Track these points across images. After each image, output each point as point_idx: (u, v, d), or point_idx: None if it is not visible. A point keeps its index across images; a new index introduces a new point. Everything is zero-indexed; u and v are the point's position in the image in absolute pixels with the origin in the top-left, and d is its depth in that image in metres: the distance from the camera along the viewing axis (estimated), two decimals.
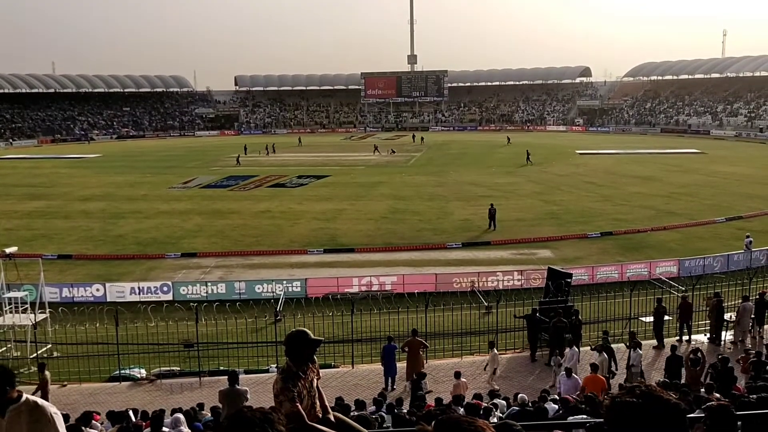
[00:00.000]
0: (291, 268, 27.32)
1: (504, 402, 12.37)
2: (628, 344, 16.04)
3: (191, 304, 21.16)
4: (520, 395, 12.13)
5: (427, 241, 31.22)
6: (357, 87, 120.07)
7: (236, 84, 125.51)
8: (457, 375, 14.48)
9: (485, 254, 29.22)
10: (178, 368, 18.02)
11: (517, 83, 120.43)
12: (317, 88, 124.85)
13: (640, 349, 15.63)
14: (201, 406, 13.09)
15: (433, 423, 1.89)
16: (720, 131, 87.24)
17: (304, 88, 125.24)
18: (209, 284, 24.57)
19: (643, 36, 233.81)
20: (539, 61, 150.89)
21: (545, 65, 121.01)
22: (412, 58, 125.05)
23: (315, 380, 3.99)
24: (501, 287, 23.81)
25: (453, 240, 31.07)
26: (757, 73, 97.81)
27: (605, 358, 15.05)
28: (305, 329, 3.97)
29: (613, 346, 16.07)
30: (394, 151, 72.19)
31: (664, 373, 15.07)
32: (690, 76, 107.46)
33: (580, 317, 18.15)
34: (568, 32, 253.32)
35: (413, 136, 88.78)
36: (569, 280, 20.03)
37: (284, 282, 24.33)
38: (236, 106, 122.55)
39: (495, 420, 9.90)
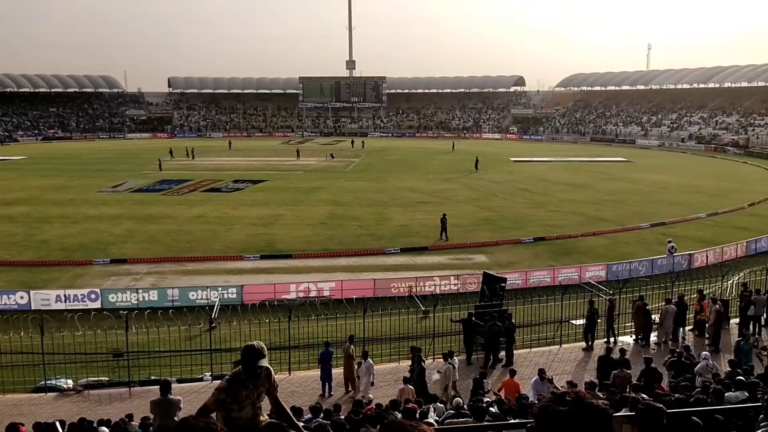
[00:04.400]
0: (226, 275, 26.83)
1: (441, 405, 12.50)
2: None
3: (121, 312, 20.44)
4: (456, 399, 12.29)
5: (365, 246, 31.27)
6: (295, 91, 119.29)
7: (170, 86, 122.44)
8: (405, 380, 14.55)
9: (423, 259, 29.51)
10: (107, 378, 17.39)
11: (454, 91, 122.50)
12: (254, 91, 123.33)
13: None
14: (130, 417, 12.66)
15: (378, 426, 1.89)
16: (645, 141, 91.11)
17: (240, 91, 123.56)
18: (140, 291, 23.79)
19: (574, 48, 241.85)
20: (476, 70, 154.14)
21: (482, 74, 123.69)
22: (351, 64, 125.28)
23: (263, 391, 4.02)
24: (438, 292, 24.08)
25: (391, 245, 31.23)
26: (679, 86, 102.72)
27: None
28: (257, 346, 3.95)
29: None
30: (333, 156, 72.07)
31: (597, 373, 15.60)
32: (617, 88, 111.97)
33: (513, 321, 18.56)
34: (502, 43, 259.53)
35: (352, 142, 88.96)
36: (504, 284, 20.44)
37: (219, 289, 23.87)
38: (170, 109, 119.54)
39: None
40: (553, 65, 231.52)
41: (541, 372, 14.29)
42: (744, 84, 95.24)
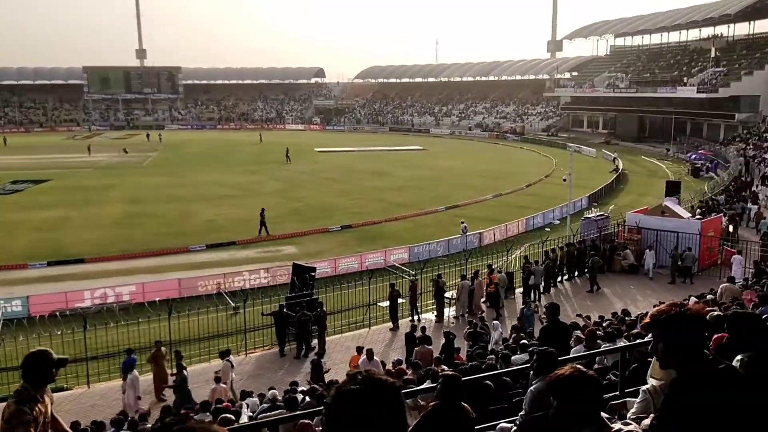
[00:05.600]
0: (9, 286, 23.95)
1: (256, 399, 12.41)
2: None
3: None
4: (271, 391, 12.27)
5: (168, 245, 29.76)
6: (79, 82, 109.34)
7: None
8: (217, 380, 14.12)
9: (231, 255, 28.85)
10: None
11: (255, 82, 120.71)
12: (31, 82, 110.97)
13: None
14: None
15: None
16: (438, 130, 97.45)
17: (14, 82, 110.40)
18: None
19: (370, 41, 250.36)
20: (278, 61, 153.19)
21: (282, 65, 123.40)
22: (141, 53, 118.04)
23: (49, 406, 3.69)
24: (248, 286, 23.74)
25: (196, 242, 30.09)
26: (465, 78, 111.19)
27: None
28: (47, 349, 3.68)
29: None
30: (126, 151, 67.42)
31: (406, 350, 16.53)
32: (411, 80, 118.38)
33: (324, 308, 18.95)
34: (301, 35, 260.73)
35: (148, 135, 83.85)
36: (313, 273, 20.75)
37: (2, 302, 21.27)
38: None
39: (245, 419, 9.89)
40: (351, 58, 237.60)
41: (369, 352, 14.77)
42: (518, 77, 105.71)
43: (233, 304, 21.14)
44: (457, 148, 75.86)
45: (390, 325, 20.10)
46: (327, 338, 18.71)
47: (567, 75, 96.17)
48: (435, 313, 20.96)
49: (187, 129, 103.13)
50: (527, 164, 59.21)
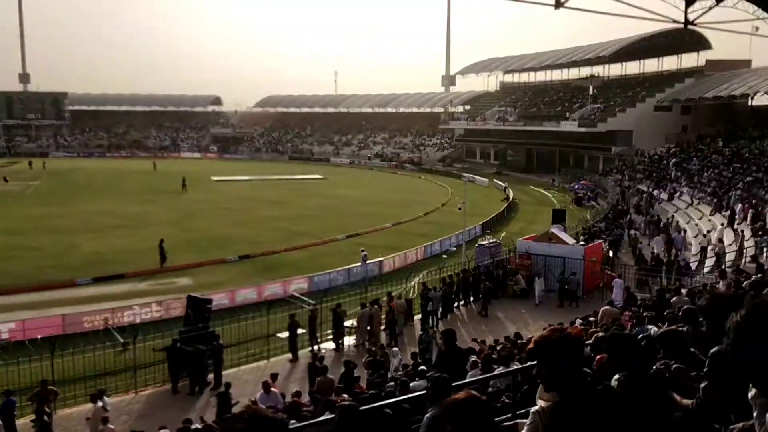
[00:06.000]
0: None
1: None
2: None
3: None
4: (162, 431, 11.75)
5: (50, 279, 27.92)
6: None
7: None
8: (105, 420, 13.32)
9: (120, 288, 27.47)
10: None
11: (148, 109, 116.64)
12: None
13: None
14: None
15: None
16: (338, 159, 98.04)
17: None
18: None
19: (270, 70, 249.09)
20: (171, 88, 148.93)
21: (177, 92, 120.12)
22: (25, 77, 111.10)
23: None
24: (139, 321, 22.69)
25: (82, 276, 28.42)
26: (364, 109, 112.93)
27: None
28: None
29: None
30: (6, 180, 63.00)
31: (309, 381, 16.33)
32: (311, 110, 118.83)
33: (221, 341, 18.42)
34: (198, 62, 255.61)
35: (30, 163, 78.74)
36: (209, 305, 20.14)
37: None
38: None
39: None
40: (249, 86, 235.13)
41: (265, 385, 14.44)
42: (415, 109, 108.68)
43: (122, 340, 20.08)
44: (357, 177, 76.58)
45: (289, 356, 19.83)
46: (224, 372, 18.16)
47: (460, 108, 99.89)
48: (333, 342, 20.89)
49: (74, 156, 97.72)
50: (425, 193, 60.67)
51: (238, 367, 19.22)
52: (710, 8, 16.38)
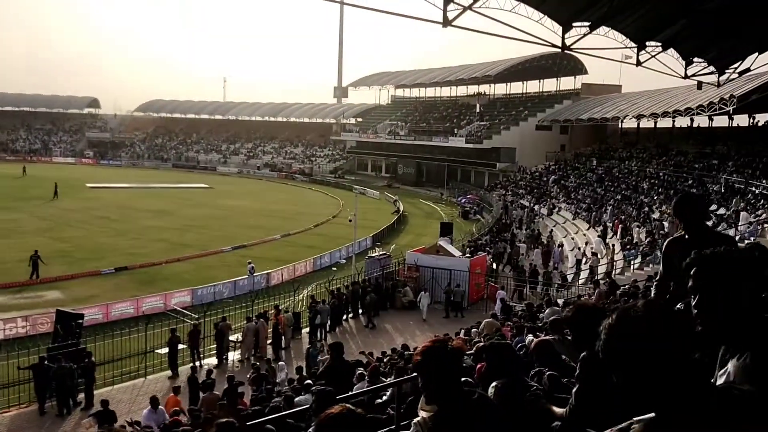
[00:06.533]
0: None
1: None
2: None
3: None
4: None
5: None
6: None
7: None
8: None
9: None
10: None
11: (17, 109, 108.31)
12: None
13: None
14: None
15: None
16: (225, 168, 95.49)
17: None
18: None
19: (153, 74, 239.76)
20: (45, 88, 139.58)
21: (49, 92, 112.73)
22: None
23: None
24: (2, 337, 20.84)
25: None
26: (254, 118, 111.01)
27: None
28: None
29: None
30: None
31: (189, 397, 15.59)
32: (197, 116, 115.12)
33: (93, 359, 17.24)
34: (74, 61, 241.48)
35: None
36: (81, 320, 18.89)
37: None
38: None
39: None
40: (129, 89, 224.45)
41: (154, 400, 13.60)
42: (306, 120, 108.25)
43: None
44: (246, 187, 74.91)
45: (169, 372, 18.87)
46: (96, 391, 16.96)
47: (352, 120, 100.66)
48: (216, 357, 20.15)
49: None
50: (315, 205, 60.33)
51: (111, 386, 18.04)
52: (584, 35, 17.43)
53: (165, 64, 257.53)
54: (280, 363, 16.81)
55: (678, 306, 3.14)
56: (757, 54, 19.51)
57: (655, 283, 5.32)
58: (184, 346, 19.67)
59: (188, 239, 39.46)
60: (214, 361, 20.13)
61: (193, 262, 33.75)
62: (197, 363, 19.28)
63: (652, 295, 5.38)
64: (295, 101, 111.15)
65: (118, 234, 40.18)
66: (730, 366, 1.86)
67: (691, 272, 1.97)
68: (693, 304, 1.97)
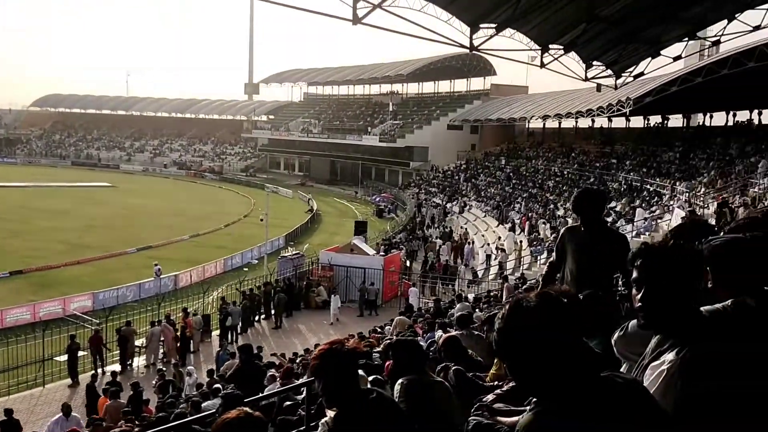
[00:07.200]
0: None
1: None
2: None
3: None
4: None
5: None
6: None
7: None
8: None
9: None
10: None
11: None
12: None
13: None
14: None
15: None
16: (130, 166, 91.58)
17: None
18: None
19: (49, 67, 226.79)
20: None
21: None
22: None
23: None
24: None
25: None
26: (160, 114, 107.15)
27: None
28: None
29: None
30: None
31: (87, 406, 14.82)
32: (98, 111, 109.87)
33: None
34: None
35: None
36: None
37: None
38: None
39: None
40: (25, 84, 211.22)
41: (66, 408, 12.75)
42: (216, 116, 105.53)
43: None
44: (152, 185, 72.16)
45: (69, 381, 17.88)
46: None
47: (264, 117, 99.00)
48: (120, 363, 19.28)
49: None
50: (226, 204, 58.95)
51: (7, 396, 16.91)
52: (491, 36, 17.86)
53: (63, 57, 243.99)
54: (188, 368, 16.27)
55: (579, 296, 3.24)
56: (650, 59, 20.65)
57: (545, 269, 5.49)
58: (85, 353, 18.70)
59: (89, 240, 37.58)
60: (117, 367, 19.24)
61: (94, 264, 32.18)
62: (99, 370, 18.38)
63: (541, 278, 5.60)
64: (204, 97, 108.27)
65: (13, 235, 37.74)
66: (669, 357, 1.86)
67: (636, 263, 1.98)
68: (637, 296, 1.98)
